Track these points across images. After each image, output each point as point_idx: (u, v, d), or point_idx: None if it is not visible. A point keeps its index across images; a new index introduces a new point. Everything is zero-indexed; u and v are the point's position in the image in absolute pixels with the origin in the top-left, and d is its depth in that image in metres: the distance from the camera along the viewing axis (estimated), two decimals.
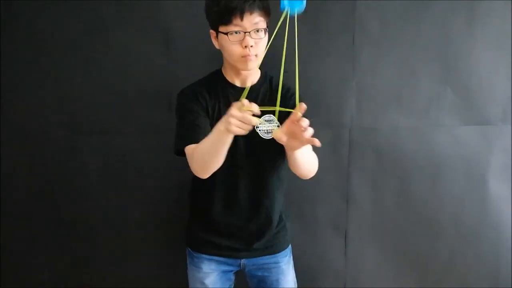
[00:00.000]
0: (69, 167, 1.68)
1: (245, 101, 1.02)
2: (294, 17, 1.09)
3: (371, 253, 1.81)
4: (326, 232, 1.78)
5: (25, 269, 1.74)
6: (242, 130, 1.02)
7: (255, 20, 1.18)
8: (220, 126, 1.07)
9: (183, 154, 1.26)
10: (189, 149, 1.23)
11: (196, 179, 1.37)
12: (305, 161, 1.26)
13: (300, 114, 1.04)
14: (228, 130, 1.02)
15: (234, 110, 1.01)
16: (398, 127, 1.74)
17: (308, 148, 1.26)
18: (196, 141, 1.20)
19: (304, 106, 1.04)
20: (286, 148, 1.15)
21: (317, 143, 1.04)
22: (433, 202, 1.79)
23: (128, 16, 1.60)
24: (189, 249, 1.46)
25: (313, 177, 1.72)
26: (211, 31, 1.27)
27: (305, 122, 1.03)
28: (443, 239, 1.82)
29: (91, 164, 1.68)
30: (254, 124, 1.02)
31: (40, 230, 1.72)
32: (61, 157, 1.67)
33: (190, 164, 1.22)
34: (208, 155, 1.16)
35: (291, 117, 1.06)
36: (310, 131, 1.05)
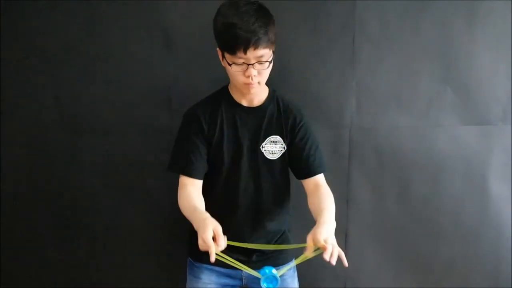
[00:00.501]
0: (69, 167, 1.68)
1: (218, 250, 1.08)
2: None
3: (371, 253, 1.81)
4: None
5: (25, 269, 1.74)
6: (205, 249, 1.09)
7: (260, 54, 1.18)
8: (195, 225, 1.15)
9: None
10: (181, 180, 1.30)
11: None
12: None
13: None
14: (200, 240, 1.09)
15: (204, 238, 1.08)
16: (398, 127, 1.74)
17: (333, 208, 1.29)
18: (188, 174, 1.29)
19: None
20: None
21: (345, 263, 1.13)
22: (433, 202, 1.79)
23: (128, 16, 1.60)
24: (190, 259, 1.44)
25: None
26: (218, 49, 1.26)
27: (330, 257, 1.09)
28: (443, 239, 1.82)
29: (91, 164, 1.67)
30: (211, 259, 1.08)
31: (40, 230, 1.72)
32: (61, 157, 1.67)
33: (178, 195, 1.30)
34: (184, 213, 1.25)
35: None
36: (335, 255, 1.11)
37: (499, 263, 1.86)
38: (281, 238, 1.44)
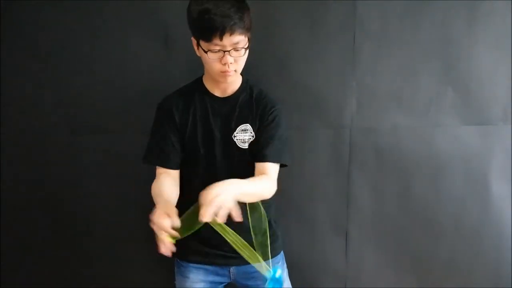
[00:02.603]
0: (69, 167, 1.67)
1: (168, 228, 1.08)
2: None
3: (371, 253, 1.81)
4: (326, 232, 1.78)
5: (25, 269, 1.74)
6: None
7: (235, 40, 1.17)
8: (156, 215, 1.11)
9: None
10: (156, 171, 1.33)
11: (182, 186, 1.36)
12: (257, 196, 1.23)
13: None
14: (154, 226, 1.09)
15: (155, 219, 1.08)
16: (398, 127, 1.74)
17: (256, 186, 1.25)
18: (161, 165, 1.32)
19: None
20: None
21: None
22: (433, 202, 1.79)
23: (128, 16, 1.60)
24: (176, 259, 1.43)
25: (313, 177, 1.73)
26: (192, 38, 1.25)
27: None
28: (443, 239, 1.81)
29: (91, 164, 1.67)
30: (165, 241, 1.10)
31: (40, 230, 1.72)
32: (61, 157, 1.67)
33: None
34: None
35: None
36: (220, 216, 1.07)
37: (500, 263, 1.85)
38: (270, 228, 1.40)
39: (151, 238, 1.73)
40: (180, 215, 1.38)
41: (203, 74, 1.36)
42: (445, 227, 1.81)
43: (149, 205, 1.70)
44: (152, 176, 1.69)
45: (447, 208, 1.80)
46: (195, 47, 1.26)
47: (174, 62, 1.63)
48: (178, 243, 1.42)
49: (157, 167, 1.33)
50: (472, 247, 1.83)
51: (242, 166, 1.33)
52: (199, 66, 1.59)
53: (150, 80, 1.64)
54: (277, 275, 1.16)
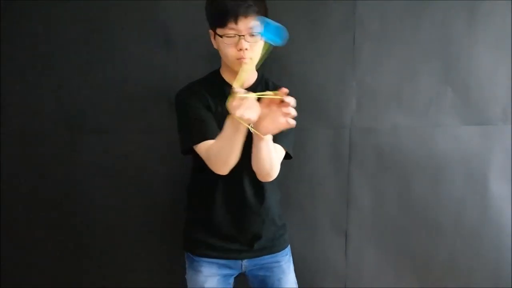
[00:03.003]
0: (69, 167, 1.68)
1: (236, 89, 1.04)
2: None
3: (371, 253, 1.81)
4: (326, 232, 1.78)
5: (25, 269, 1.74)
6: (253, 113, 1.04)
7: (251, 24, 1.18)
8: (230, 121, 1.10)
9: (190, 152, 1.28)
10: (201, 147, 1.24)
11: (196, 179, 1.36)
12: (268, 157, 1.23)
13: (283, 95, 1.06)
14: (243, 120, 1.04)
15: (233, 103, 1.03)
16: (398, 127, 1.74)
17: (273, 148, 1.25)
18: (205, 138, 1.23)
19: (285, 90, 1.05)
20: (256, 135, 1.14)
21: (293, 122, 1.06)
22: (433, 202, 1.79)
23: (128, 16, 1.60)
24: (189, 253, 1.44)
25: (313, 177, 1.73)
26: (210, 30, 1.28)
27: (291, 100, 1.05)
28: (443, 239, 1.82)
29: (91, 164, 1.67)
30: (255, 103, 1.04)
31: (39, 230, 1.72)
32: (61, 157, 1.67)
33: (207, 163, 1.23)
34: (225, 152, 1.17)
35: (273, 100, 1.07)
36: (293, 112, 1.06)
37: (500, 263, 1.85)
38: (279, 224, 1.45)
39: (151, 237, 1.74)
40: (198, 215, 1.42)
41: (220, 67, 1.37)
42: (445, 227, 1.81)
43: (149, 204, 1.72)
44: (152, 176, 1.70)
45: (447, 208, 1.80)
46: (212, 40, 1.28)
47: (174, 62, 1.63)
48: (188, 238, 1.43)
49: (202, 144, 1.24)
50: (472, 247, 1.83)
51: None
52: (199, 66, 1.60)
53: (150, 80, 1.64)
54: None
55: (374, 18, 1.66)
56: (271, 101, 1.07)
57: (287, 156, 1.35)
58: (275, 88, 1.32)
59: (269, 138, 1.17)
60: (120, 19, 1.60)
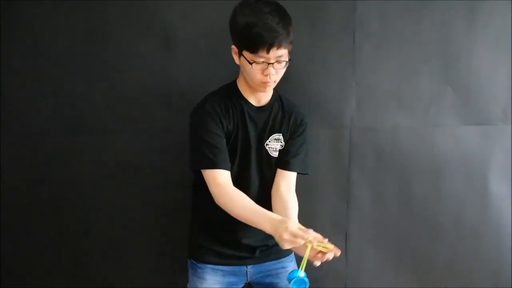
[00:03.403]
0: (69, 167, 1.67)
1: (311, 237, 1.11)
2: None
3: (371, 253, 1.81)
4: (326, 232, 1.75)
5: (25, 269, 1.74)
6: (291, 245, 1.11)
7: (280, 53, 1.21)
8: (267, 226, 1.16)
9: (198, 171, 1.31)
10: (209, 175, 1.27)
11: (199, 187, 1.37)
12: None
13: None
14: (280, 244, 1.12)
15: (292, 233, 1.09)
16: (398, 127, 1.74)
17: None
18: (215, 166, 1.26)
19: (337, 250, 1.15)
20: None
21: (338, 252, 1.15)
22: (433, 202, 1.79)
23: (128, 16, 1.59)
24: (192, 260, 1.43)
25: (313, 177, 1.73)
26: (233, 46, 1.27)
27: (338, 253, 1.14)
28: (443, 239, 1.82)
29: (91, 164, 1.67)
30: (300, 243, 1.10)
31: (40, 230, 1.71)
32: (61, 157, 1.67)
33: (213, 193, 1.27)
34: (242, 218, 1.25)
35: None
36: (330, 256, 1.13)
37: (500, 263, 1.86)
38: None
39: (151, 238, 1.74)
40: (202, 222, 1.44)
41: (236, 78, 1.37)
42: (445, 227, 1.81)
43: (149, 205, 1.72)
44: (152, 176, 1.70)
45: (447, 208, 1.80)
46: (235, 56, 1.28)
47: (174, 62, 1.62)
48: (193, 244, 1.43)
49: (211, 170, 1.27)
50: (472, 247, 1.83)
51: (269, 172, 1.39)
52: (199, 66, 1.60)
53: (150, 80, 1.63)
54: (301, 275, 1.15)
55: (374, 18, 1.66)
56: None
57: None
58: (289, 106, 1.40)
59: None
60: (120, 19, 1.60)
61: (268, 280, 1.42)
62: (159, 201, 1.71)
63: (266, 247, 1.41)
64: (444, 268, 1.84)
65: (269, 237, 1.36)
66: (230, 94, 1.35)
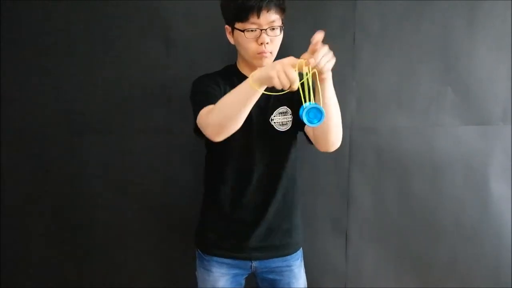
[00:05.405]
0: (69, 167, 1.67)
1: (311, 61, 1.03)
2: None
3: (371, 253, 1.81)
4: (326, 232, 1.78)
5: (25, 269, 1.74)
6: (280, 83, 1.01)
7: (272, 18, 1.20)
8: (252, 77, 1.06)
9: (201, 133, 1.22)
10: (203, 112, 1.17)
11: (209, 169, 1.36)
12: (336, 108, 1.21)
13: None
14: (270, 76, 1.01)
15: (289, 61, 1.02)
16: (398, 127, 1.74)
17: (335, 107, 1.22)
18: (209, 103, 1.17)
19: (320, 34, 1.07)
20: (317, 78, 1.09)
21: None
22: (433, 202, 1.79)
23: (128, 16, 1.60)
24: (199, 251, 1.44)
25: (313, 177, 1.73)
26: (226, 26, 1.28)
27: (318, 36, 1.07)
28: (443, 239, 1.82)
29: (91, 164, 1.67)
30: (294, 86, 1.01)
31: (40, 230, 1.72)
32: (61, 157, 1.67)
33: (205, 125, 1.16)
34: (230, 109, 1.10)
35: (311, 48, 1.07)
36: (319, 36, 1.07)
37: (500, 263, 1.85)
38: (294, 222, 1.43)
39: (151, 237, 1.74)
40: (210, 207, 1.40)
41: (235, 62, 1.36)
42: (445, 227, 1.81)
43: (150, 204, 1.72)
44: (152, 176, 1.70)
45: (447, 208, 1.80)
46: (229, 36, 1.28)
47: (174, 62, 1.63)
48: (201, 235, 1.43)
49: (203, 110, 1.18)
50: (472, 247, 1.83)
51: (280, 151, 1.33)
52: (199, 66, 1.59)
53: (151, 80, 1.64)
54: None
55: (374, 18, 1.66)
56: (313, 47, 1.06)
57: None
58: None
59: (330, 81, 1.14)
60: (120, 19, 1.60)
61: (271, 276, 1.42)
62: (159, 201, 1.71)
63: (273, 237, 1.38)
64: (444, 268, 1.84)
65: (276, 233, 1.38)
66: (228, 73, 1.35)
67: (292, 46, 1.64)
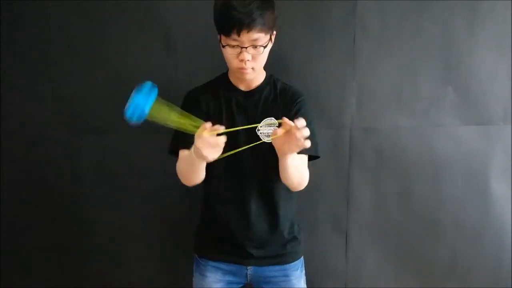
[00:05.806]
0: (69, 167, 1.68)
1: (206, 125, 1.08)
2: None
3: (371, 253, 1.80)
4: (326, 232, 1.78)
5: (25, 269, 1.74)
6: (215, 153, 1.10)
7: (254, 37, 1.17)
8: (193, 153, 1.14)
9: (175, 154, 1.33)
10: (178, 155, 1.31)
11: (206, 182, 1.35)
12: (296, 171, 1.26)
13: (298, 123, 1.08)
14: (202, 158, 1.11)
15: (199, 140, 1.08)
16: (398, 127, 1.74)
17: (300, 161, 1.29)
18: (187, 147, 1.23)
19: (285, 120, 1.10)
20: (278, 153, 1.18)
21: (307, 144, 1.08)
22: (433, 202, 1.79)
23: (128, 16, 1.60)
24: (196, 256, 1.43)
25: (313, 177, 1.73)
26: (218, 35, 1.26)
27: (301, 122, 1.06)
28: (443, 239, 1.81)
29: (91, 164, 1.68)
30: (220, 144, 1.09)
31: (40, 230, 1.72)
32: (60, 157, 1.67)
33: (177, 171, 1.32)
34: (186, 174, 1.28)
35: (289, 126, 1.09)
36: (306, 131, 1.07)
37: (500, 263, 1.85)
38: (290, 234, 1.41)
39: (151, 237, 1.74)
40: (206, 216, 1.42)
41: (228, 69, 1.36)
42: (445, 227, 1.81)
43: (149, 204, 1.72)
44: (152, 176, 1.70)
45: (447, 208, 1.80)
46: (219, 43, 1.26)
47: (174, 62, 1.63)
48: (198, 237, 1.43)
49: (181, 150, 1.30)
50: (472, 247, 1.83)
51: (267, 161, 1.30)
52: (199, 67, 1.60)
53: (150, 81, 1.63)
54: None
55: (374, 18, 1.66)
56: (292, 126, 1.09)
57: (315, 157, 1.37)
58: (283, 88, 1.35)
59: (293, 155, 1.19)
60: (120, 20, 1.60)
61: (268, 286, 1.39)
62: (159, 201, 1.71)
63: (268, 248, 1.36)
64: (444, 268, 1.84)
65: (272, 240, 1.36)
66: (217, 84, 1.35)
67: (293, 46, 1.65)
